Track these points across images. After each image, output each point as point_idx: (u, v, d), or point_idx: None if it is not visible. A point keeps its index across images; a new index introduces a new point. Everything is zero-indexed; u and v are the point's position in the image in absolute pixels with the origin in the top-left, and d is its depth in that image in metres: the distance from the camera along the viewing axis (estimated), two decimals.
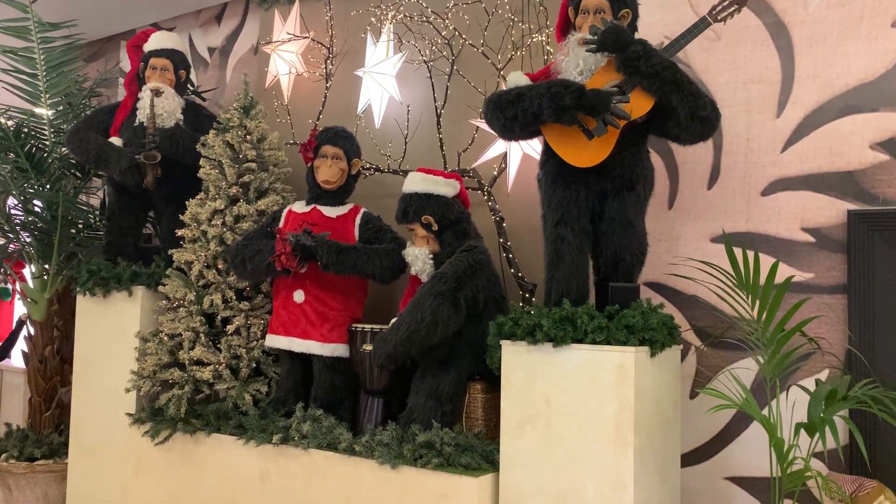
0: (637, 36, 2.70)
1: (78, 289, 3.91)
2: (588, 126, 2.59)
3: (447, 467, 2.70)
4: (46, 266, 4.40)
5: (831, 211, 2.89)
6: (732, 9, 2.69)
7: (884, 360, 2.73)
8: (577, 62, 2.68)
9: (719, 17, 2.69)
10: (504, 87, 2.77)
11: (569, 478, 2.49)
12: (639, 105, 2.57)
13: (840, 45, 2.91)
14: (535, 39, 3.43)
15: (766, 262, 2.87)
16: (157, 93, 3.79)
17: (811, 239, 2.93)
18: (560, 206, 2.71)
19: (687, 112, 2.50)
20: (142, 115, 3.81)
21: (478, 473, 2.66)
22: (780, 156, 3.00)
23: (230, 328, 3.46)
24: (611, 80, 2.62)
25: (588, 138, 2.59)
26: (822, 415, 2.41)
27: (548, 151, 2.78)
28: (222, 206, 3.53)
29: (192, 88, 4.32)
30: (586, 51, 2.64)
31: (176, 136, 3.78)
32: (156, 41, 3.97)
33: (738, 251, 2.70)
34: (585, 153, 2.62)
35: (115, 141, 3.82)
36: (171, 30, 4.97)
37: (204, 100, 4.51)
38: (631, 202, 2.69)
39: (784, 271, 2.88)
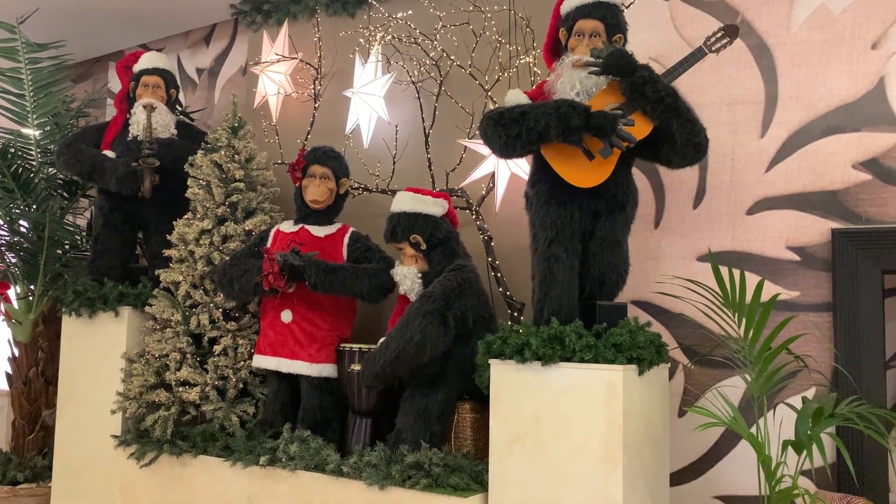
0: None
1: (63, 309, 3.88)
2: (589, 147, 2.62)
3: (436, 488, 2.69)
4: (32, 287, 4.36)
5: (815, 230, 2.92)
6: (726, 41, 2.75)
7: (869, 377, 2.75)
8: (574, 83, 2.70)
9: (713, 48, 2.75)
10: (498, 106, 2.79)
11: (558, 497, 2.48)
12: (639, 129, 2.61)
13: (822, 67, 2.95)
14: (522, 61, 3.47)
15: (752, 280, 2.89)
16: (151, 108, 3.81)
17: (796, 257, 2.95)
18: (554, 225, 2.70)
19: (684, 138, 2.55)
20: (135, 129, 3.84)
21: (467, 494, 2.65)
22: (764, 175, 3.03)
23: (217, 349, 3.44)
24: (610, 102, 2.65)
25: (589, 159, 2.62)
26: (809, 432, 2.42)
27: (540, 170, 2.78)
28: (210, 226, 3.53)
29: (180, 109, 4.33)
30: (589, 73, 2.66)
31: (173, 145, 3.82)
32: (147, 61, 4.02)
33: (724, 270, 2.72)
34: (586, 174, 2.64)
35: (108, 154, 3.84)
36: (160, 51, 4.98)
37: (192, 120, 4.52)
38: (621, 222, 2.72)
39: (770, 289, 2.90)
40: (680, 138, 2.55)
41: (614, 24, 2.75)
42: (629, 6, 3.15)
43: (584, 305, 2.71)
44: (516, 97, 2.75)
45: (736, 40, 2.84)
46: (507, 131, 2.63)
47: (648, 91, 2.55)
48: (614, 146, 2.57)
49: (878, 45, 2.86)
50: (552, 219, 2.70)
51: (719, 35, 2.75)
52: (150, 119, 3.78)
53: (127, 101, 4.00)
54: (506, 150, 2.72)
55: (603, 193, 2.68)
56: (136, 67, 4.01)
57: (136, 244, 4.13)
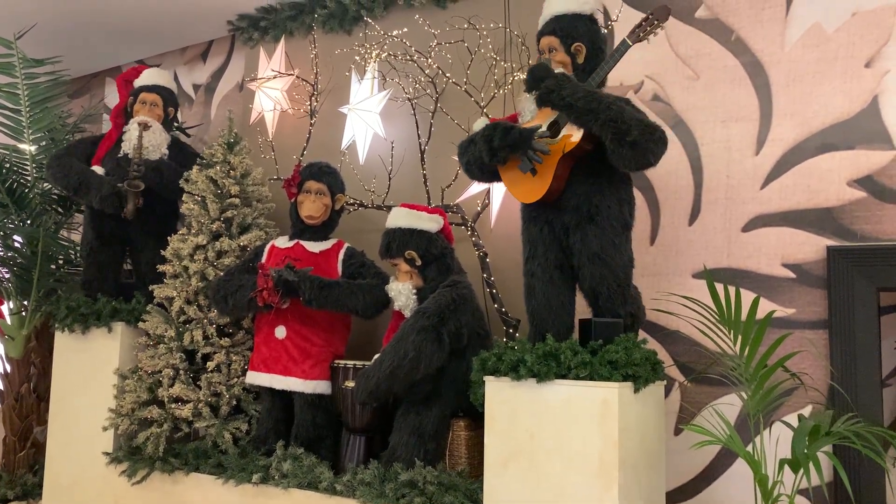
0: (606, 67, 2.70)
1: (57, 325, 3.85)
2: (533, 164, 2.65)
3: None
4: (25, 302, 4.34)
5: (811, 247, 2.92)
6: (655, 23, 2.64)
7: (865, 394, 2.74)
8: (530, 104, 2.74)
9: (641, 37, 2.65)
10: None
11: None
12: (572, 137, 2.60)
13: (816, 85, 2.97)
14: (517, 78, 3.48)
15: (748, 297, 2.88)
16: (145, 126, 3.80)
17: (791, 275, 2.95)
18: (528, 241, 2.77)
19: (611, 138, 2.45)
20: (127, 146, 3.81)
21: None
22: (759, 192, 3.04)
23: (210, 365, 3.42)
24: (550, 116, 2.66)
25: (532, 174, 2.65)
26: (805, 451, 2.40)
27: None
28: (204, 242, 3.52)
29: (176, 124, 4.33)
30: (524, 91, 2.72)
31: (161, 169, 3.78)
32: (147, 77, 4.01)
33: (719, 287, 2.71)
34: (527, 188, 2.69)
35: (97, 170, 3.81)
36: (157, 66, 5.00)
37: (188, 136, 4.52)
38: (595, 235, 2.61)
39: (765, 307, 2.90)
40: (606, 139, 2.46)
41: (567, 34, 2.71)
42: (610, 25, 3.17)
43: (581, 322, 2.70)
44: (480, 125, 2.80)
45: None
46: (463, 159, 2.83)
47: (555, 99, 2.54)
48: (531, 159, 2.60)
49: (872, 64, 2.88)
50: (527, 236, 2.79)
51: (647, 20, 2.63)
52: (142, 139, 3.76)
53: (124, 115, 3.98)
54: (469, 175, 2.89)
55: (565, 207, 2.67)
56: (137, 83, 4.00)
57: (124, 259, 4.10)
